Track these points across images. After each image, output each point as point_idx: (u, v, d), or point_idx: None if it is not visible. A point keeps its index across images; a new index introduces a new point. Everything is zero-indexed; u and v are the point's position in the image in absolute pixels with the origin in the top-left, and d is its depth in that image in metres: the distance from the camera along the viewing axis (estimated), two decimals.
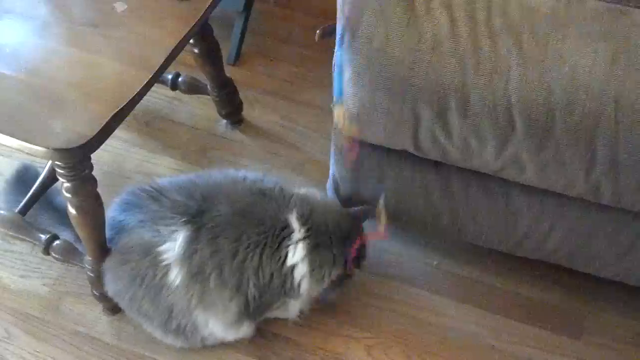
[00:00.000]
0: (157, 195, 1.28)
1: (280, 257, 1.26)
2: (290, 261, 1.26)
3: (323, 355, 1.40)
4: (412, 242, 1.54)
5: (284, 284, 1.27)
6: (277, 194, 1.28)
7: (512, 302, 1.47)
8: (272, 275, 1.26)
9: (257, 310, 1.30)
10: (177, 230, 1.23)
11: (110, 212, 1.31)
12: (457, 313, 1.45)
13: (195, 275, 1.23)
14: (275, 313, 1.35)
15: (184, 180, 1.32)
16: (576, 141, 1.09)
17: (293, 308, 1.34)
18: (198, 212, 1.24)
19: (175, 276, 1.24)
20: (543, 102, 1.07)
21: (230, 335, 1.34)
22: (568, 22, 1.06)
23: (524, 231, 1.32)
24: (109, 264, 1.30)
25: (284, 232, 1.26)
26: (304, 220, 1.26)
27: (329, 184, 1.44)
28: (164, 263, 1.24)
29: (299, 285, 1.28)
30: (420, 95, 1.12)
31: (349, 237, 1.30)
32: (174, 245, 1.23)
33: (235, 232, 1.24)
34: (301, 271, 1.27)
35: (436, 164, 1.27)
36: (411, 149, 1.23)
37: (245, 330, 1.34)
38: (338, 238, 1.29)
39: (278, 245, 1.25)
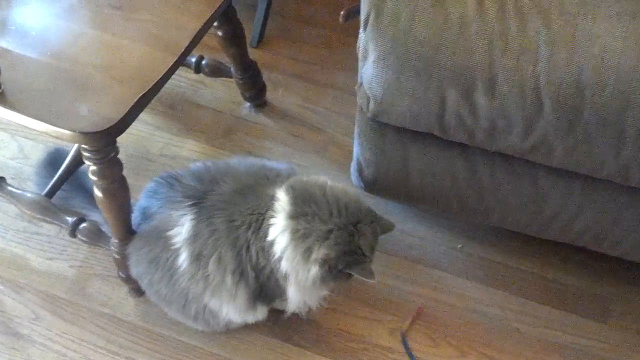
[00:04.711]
0: (172, 181, 1.29)
1: (263, 233, 1.17)
2: (271, 235, 1.16)
3: (346, 337, 1.40)
4: (437, 225, 1.53)
5: (267, 264, 1.19)
6: (279, 179, 1.23)
7: (538, 285, 1.46)
8: (257, 254, 1.19)
9: (263, 294, 1.25)
10: (185, 214, 1.23)
11: (139, 201, 1.33)
12: (482, 296, 1.45)
13: (197, 258, 1.22)
14: (277, 302, 1.29)
15: (199, 167, 1.31)
16: (605, 122, 1.07)
17: (293, 297, 1.23)
18: (203, 194, 1.23)
19: (183, 260, 1.23)
20: (572, 82, 1.05)
21: (249, 319, 1.32)
22: (598, 2, 1.04)
23: (551, 214, 1.31)
24: (131, 247, 1.31)
25: (270, 205, 1.18)
26: (290, 191, 1.18)
27: (353, 167, 1.44)
28: (174, 247, 1.23)
29: (279, 260, 1.16)
30: (446, 76, 1.11)
31: (359, 221, 1.17)
32: (181, 229, 1.23)
33: (230, 211, 1.20)
34: (281, 243, 1.16)
35: (462, 147, 1.26)
36: (437, 132, 1.22)
37: (262, 313, 1.31)
38: (339, 214, 1.16)
39: (262, 221, 1.18)
